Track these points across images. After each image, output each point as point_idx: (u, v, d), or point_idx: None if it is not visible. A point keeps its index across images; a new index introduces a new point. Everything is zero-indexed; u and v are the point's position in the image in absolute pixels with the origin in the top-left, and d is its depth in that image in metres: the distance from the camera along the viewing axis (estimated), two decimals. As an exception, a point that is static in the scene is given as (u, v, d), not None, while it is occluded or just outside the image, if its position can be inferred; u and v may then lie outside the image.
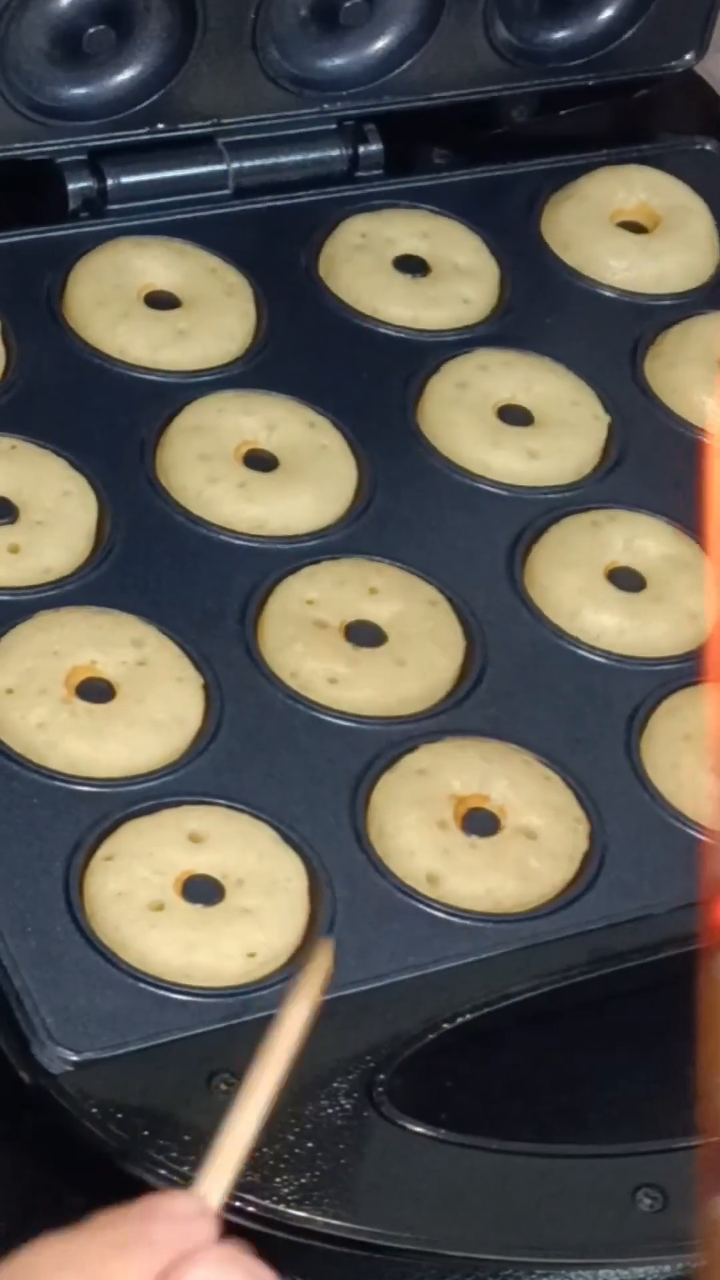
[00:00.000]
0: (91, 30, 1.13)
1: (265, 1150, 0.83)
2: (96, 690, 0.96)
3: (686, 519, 1.08)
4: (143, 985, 0.87)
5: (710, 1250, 0.52)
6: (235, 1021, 0.87)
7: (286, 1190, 0.83)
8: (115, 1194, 0.85)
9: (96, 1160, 0.84)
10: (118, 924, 0.89)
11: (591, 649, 1.03)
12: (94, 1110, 0.84)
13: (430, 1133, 0.85)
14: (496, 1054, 0.90)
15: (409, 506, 1.07)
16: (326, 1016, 0.88)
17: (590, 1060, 0.91)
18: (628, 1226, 0.85)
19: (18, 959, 0.88)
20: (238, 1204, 0.82)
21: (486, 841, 0.94)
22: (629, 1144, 0.88)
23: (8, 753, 0.94)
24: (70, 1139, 0.84)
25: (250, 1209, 0.83)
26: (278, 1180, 0.83)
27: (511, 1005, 0.90)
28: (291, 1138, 0.84)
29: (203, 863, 0.91)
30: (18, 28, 1.11)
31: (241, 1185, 0.81)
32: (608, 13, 1.25)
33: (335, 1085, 0.86)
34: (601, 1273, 0.87)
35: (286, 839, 0.93)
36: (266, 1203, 0.83)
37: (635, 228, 1.21)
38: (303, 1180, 0.83)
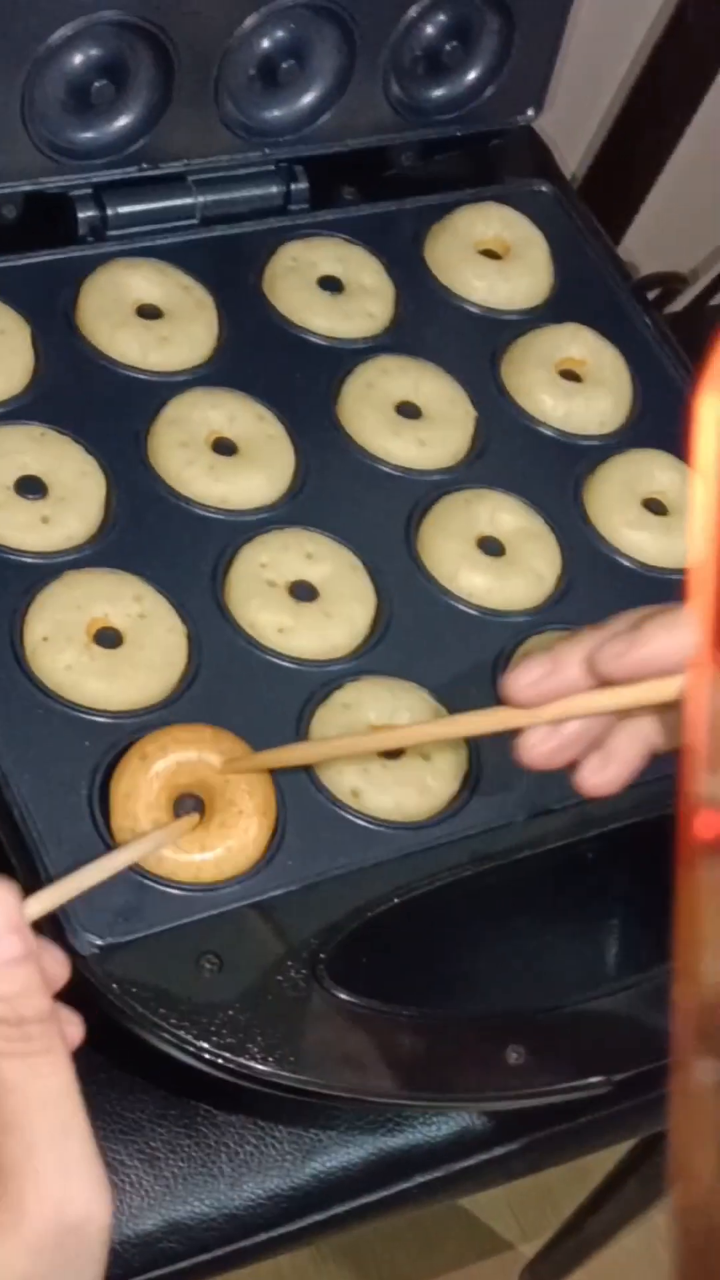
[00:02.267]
0: (97, 84, 1.06)
1: (240, 1017, 0.82)
2: (109, 638, 0.92)
3: (535, 497, 1.05)
4: (147, 882, 0.85)
5: (685, 1112, 0.50)
6: (214, 912, 0.85)
7: (255, 1049, 0.82)
8: (126, 1052, 0.84)
9: (115, 1026, 0.82)
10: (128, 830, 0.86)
11: (466, 604, 1.00)
12: (114, 985, 0.82)
13: (355, 1000, 0.84)
14: (401, 936, 0.89)
15: (333, 485, 1.03)
16: (284, 906, 0.87)
17: (471, 941, 0.91)
18: (496, 1076, 0.85)
19: (53, 861, 0.85)
20: (219, 1060, 0.81)
21: (395, 763, 0.92)
22: (500, 1009, 0.88)
23: (45, 689, 0.90)
24: (95, 1009, 0.82)
25: (229, 1065, 0.82)
26: (250, 1043, 0.82)
27: (414, 898, 0.89)
28: (260, 1007, 0.83)
29: (191, 781, 0.88)
30: (42, 81, 1.04)
31: (221, 1045, 0.81)
32: (472, 74, 1.19)
33: (289, 965, 0.85)
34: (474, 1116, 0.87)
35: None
36: (241, 1059, 0.82)
37: (492, 254, 1.17)
38: (267, 1041, 0.82)
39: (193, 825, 0.87)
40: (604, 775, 0.77)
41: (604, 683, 0.73)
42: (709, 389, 0.36)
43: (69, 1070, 0.63)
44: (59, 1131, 0.61)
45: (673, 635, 0.71)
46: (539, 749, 0.76)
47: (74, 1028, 0.68)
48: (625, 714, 0.76)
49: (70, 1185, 0.61)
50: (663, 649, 0.71)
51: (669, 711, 0.77)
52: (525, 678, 0.74)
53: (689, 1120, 0.54)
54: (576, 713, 0.75)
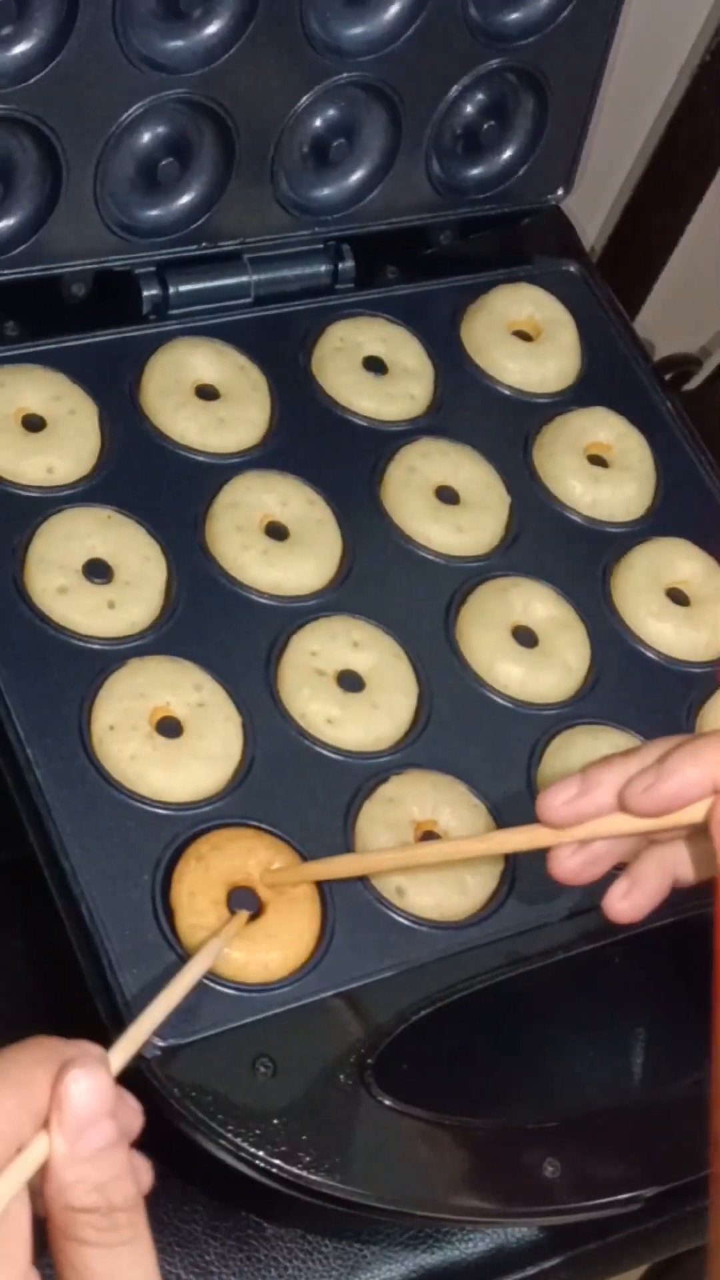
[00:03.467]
0: (163, 162, 1.01)
1: (293, 1124, 0.78)
2: (171, 727, 0.88)
3: (565, 585, 1.01)
4: (205, 981, 0.80)
5: None
6: (268, 1013, 0.81)
7: (307, 1158, 0.78)
8: (178, 1156, 0.80)
9: (173, 1131, 0.78)
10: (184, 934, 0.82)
11: (502, 695, 0.96)
12: (176, 1089, 0.78)
13: (399, 1108, 0.81)
14: (441, 1040, 0.85)
15: (377, 571, 0.99)
16: (334, 1007, 0.83)
17: (508, 1045, 0.87)
18: (533, 1191, 0.81)
19: (119, 958, 0.80)
20: (273, 1169, 0.77)
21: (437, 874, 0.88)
22: (535, 1120, 0.84)
23: (110, 779, 0.85)
24: (155, 1113, 0.78)
25: (283, 1174, 0.78)
26: (301, 1152, 0.78)
27: (454, 1001, 0.85)
28: (312, 1115, 0.79)
29: (242, 878, 0.84)
30: (114, 160, 0.99)
31: (274, 1153, 0.77)
32: (508, 154, 1.15)
33: (338, 1069, 0.81)
34: (511, 1230, 0.84)
35: (303, 858, 0.86)
36: (294, 1169, 0.78)
37: (524, 335, 1.12)
38: (318, 1150, 0.78)
39: (243, 924, 0.82)
40: (629, 901, 0.76)
41: (632, 813, 0.72)
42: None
43: (151, 1256, 0.59)
44: None
45: (698, 766, 0.69)
46: (567, 864, 0.74)
47: (145, 1175, 0.63)
48: (653, 840, 0.75)
49: None
50: (688, 782, 0.69)
51: (696, 841, 0.75)
52: (558, 798, 0.73)
53: None
54: (603, 834, 0.73)
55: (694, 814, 0.70)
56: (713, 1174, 0.53)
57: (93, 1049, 0.61)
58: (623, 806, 0.72)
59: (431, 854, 0.85)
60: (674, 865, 0.75)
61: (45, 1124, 0.57)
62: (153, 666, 0.89)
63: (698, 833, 0.73)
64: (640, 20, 1.18)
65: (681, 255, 1.31)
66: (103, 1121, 0.58)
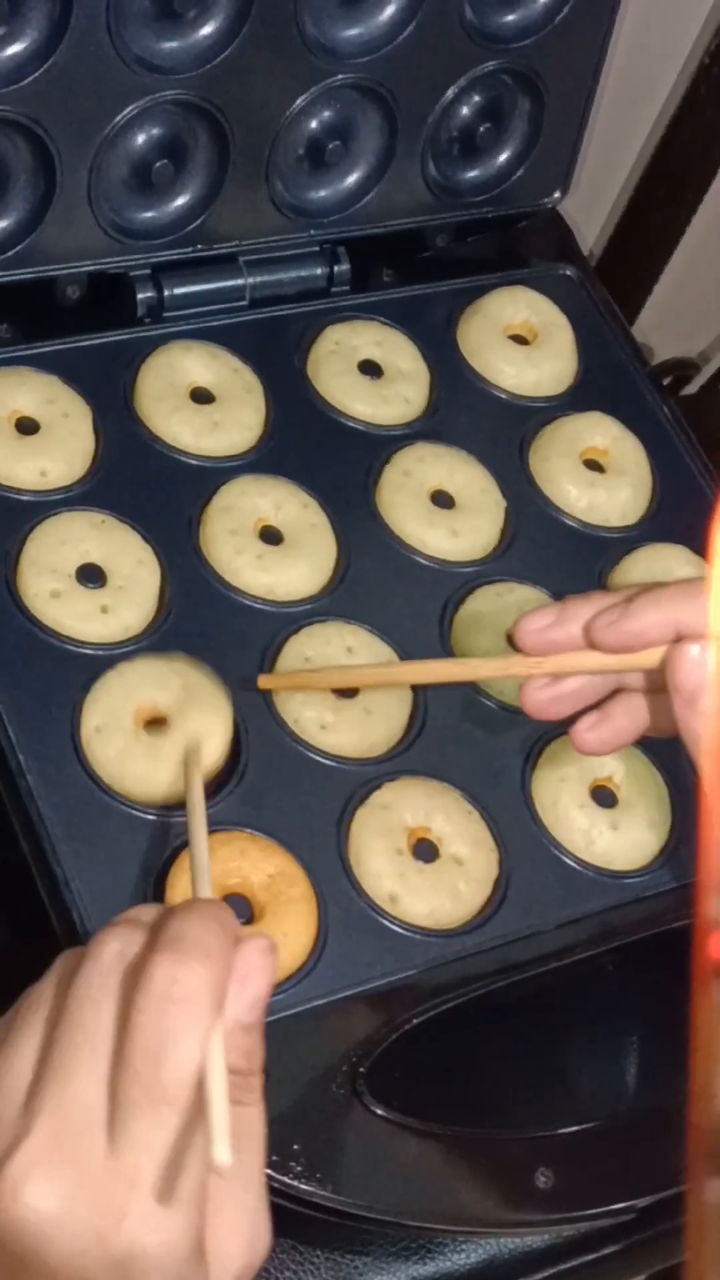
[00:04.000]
0: (158, 164, 1.01)
1: (286, 1134, 0.79)
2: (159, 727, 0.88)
3: (560, 590, 1.01)
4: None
5: (699, 1233, 0.49)
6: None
7: (298, 1168, 0.79)
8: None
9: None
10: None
11: (496, 701, 0.96)
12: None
13: (391, 1117, 0.81)
14: (434, 1048, 0.85)
15: (371, 576, 0.99)
16: (326, 1016, 0.83)
17: (501, 1054, 0.87)
18: (526, 1201, 0.82)
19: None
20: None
21: (430, 867, 0.89)
22: (529, 1129, 0.85)
23: (101, 785, 0.86)
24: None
25: (275, 1183, 0.78)
26: (293, 1161, 0.79)
27: (447, 1009, 0.85)
28: (304, 1123, 0.80)
29: (235, 882, 0.84)
30: (108, 161, 0.99)
31: (268, 1163, 0.77)
32: (504, 156, 1.15)
33: (331, 1078, 0.81)
34: (504, 1241, 0.84)
35: (299, 861, 0.86)
36: (286, 1178, 0.78)
37: (520, 339, 1.12)
38: (310, 1160, 0.78)
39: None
40: (596, 733, 0.77)
41: (595, 648, 0.74)
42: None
43: (263, 1117, 0.63)
44: (255, 1174, 0.61)
45: (659, 610, 0.71)
46: (537, 696, 0.76)
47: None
48: (623, 688, 0.76)
49: (260, 1223, 0.61)
50: (649, 623, 0.71)
51: (659, 696, 0.76)
52: (535, 624, 0.75)
53: (703, 1242, 0.52)
54: (572, 668, 0.75)
55: (652, 658, 0.72)
56: (687, 1183, 0.53)
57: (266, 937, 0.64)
58: (588, 638, 0.74)
59: (408, 674, 0.90)
60: (643, 714, 0.77)
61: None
62: (141, 666, 0.89)
63: (661, 688, 0.74)
64: (639, 22, 1.19)
65: (681, 258, 1.31)
66: (265, 1001, 0.62)
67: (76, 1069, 0.58)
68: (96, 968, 0.61)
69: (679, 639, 0.71)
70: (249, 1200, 0.60)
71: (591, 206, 1.29)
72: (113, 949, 0.61)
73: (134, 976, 0.59)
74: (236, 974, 0.60)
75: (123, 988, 0.60)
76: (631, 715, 0.76)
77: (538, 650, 0.75)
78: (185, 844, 0.85)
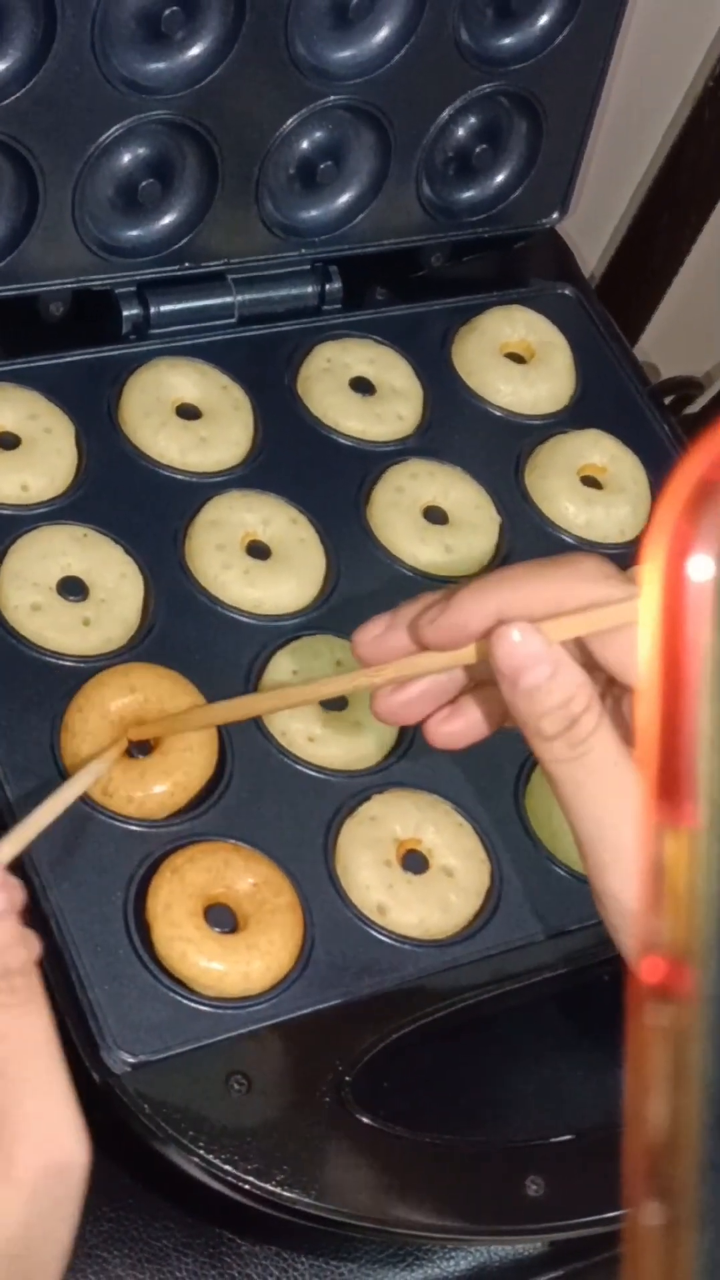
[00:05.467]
0: (144, 183, 1.03)
1: (267, 1141, 0.79)
2: (144, 746, 0.89)
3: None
4: (178, 998, 0.82)
5: (635, 1254, 0.48)
6: (243, 1030, 0.82)
7: (281, 1175, 0.79)
8: (151, 1174, 0.81)
9: (145, 1148, 0.79)
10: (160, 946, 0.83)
11: (490, 716, 0.96)
12: (146, 1106, 0.79)
13: (378, 1126, 0.82)
14: (423, 1058, 0.86)
15: (363, 592, 1.00)
16: (311, 1025, 0.84)
17: (492, 1064, 0.88)
18: (516, 1209, 0.82)
19: (90, 974, 0.82)
20: (246, 1186, 0.78)
21: (419, 878, 0.89)
22: (519, 1137, 0.85)
23: (84, 797, 0.87)
24: (126, 1129, 0.79)
25: (256, 1191, 0.79)
26: (275, 1169, 0.79)
27: (437, 1019, 0.85)
28: (287, 1131, 0.80)
29: (219, 891, 0.85)
30: (92, 180, 1.01)
31: (249, 1170, 0.78)
32: (501, 177, 1.17)
33: (315, 1087, 0.82)
34: (494, 1248, 0.84)
35: (285, 872, 0.87)
36: (268, 1185, 0.79)
37: (517, 358, 1.14)
38: (292, 1167, 0.79)
39: (123, 749, 0.86)
40: (450, 726, 0.76)
41: (424, 647, 0.73)
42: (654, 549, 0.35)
43: (49, 1019, 0.63)
44: (44, 1078, 0.61)
45: (477, 600, 0.70)
46: (386, 703, 0.75)
47: (34, 943, 0.66)
48: (480, 682, 0.76)
49: (56, 1130, 0.61)
50: (468, 613, 0.70)
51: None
52: (368, 634, 0.75)
53: (640, 1263, 0.52)
54: (411, 673, 0.74)
55: (469, 654, 0.72)
56: (624, 1205, 0.54)
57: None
58: (416, 639, 0.73)
59: (257, 705, 0.89)
60: (499, 703, 0.75)
61: None
62: (119, 677, 0.90)
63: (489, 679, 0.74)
64: (642, 45, 1.21)
65: (685, 279, 1.32)
66: (3, 888, 0.63)
67: None
68: None
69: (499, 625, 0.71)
70: (36, 1107, 0.60)
71: (593, 227, 1.31)
72: None
73: None
74: None
75: None
76: (486, 705, 0.76)
77: (375, 659, 0.75)
78: (164, 855, 0.86)
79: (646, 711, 0.35)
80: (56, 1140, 0.60)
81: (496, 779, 0.95)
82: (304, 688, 0.84)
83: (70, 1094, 0.61)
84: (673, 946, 0.37)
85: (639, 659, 0.36)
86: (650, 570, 0.35)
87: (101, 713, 0.88)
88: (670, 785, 0.36)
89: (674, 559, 0.34)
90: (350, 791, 0.91)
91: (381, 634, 0.74)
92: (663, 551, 0.34)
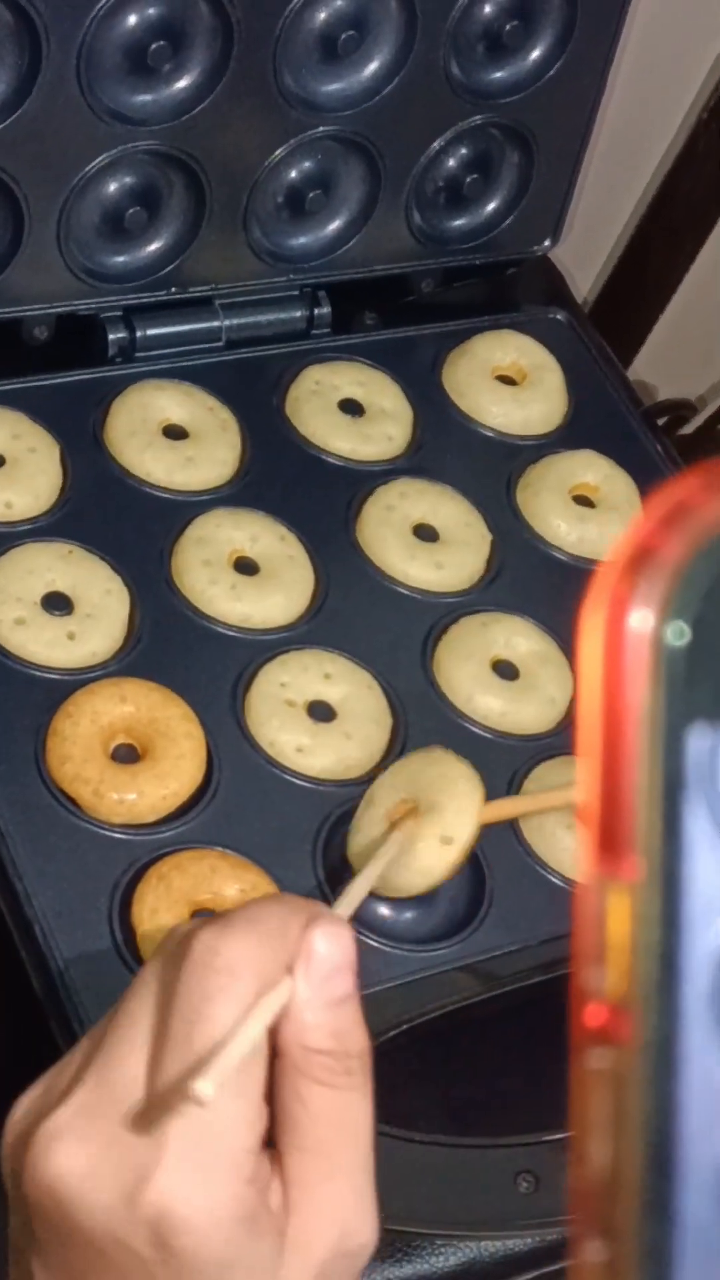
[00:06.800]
0: (131, 211, 1.05)
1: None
2: (129, 748, 0.91)
3: (548, 620, 1.03)
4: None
5: None
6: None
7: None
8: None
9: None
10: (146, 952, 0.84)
11: (482, 726, 0.98)
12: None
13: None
14: (414, 1060, 0.86)
15: (352, 606, 1.02)
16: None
17: (483, 1066, 0.88)
18: (506, 1205, 0.83)
19: (75, 980, 0.83)
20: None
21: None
22: (510, 1136, 0.85)
23: (67, 805, 0.88)
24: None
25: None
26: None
27: (425, 1021, 0.86)
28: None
29: (206, 898, 0.86)
30: (79, 207, 1.04)
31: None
32: (492, 206, 1.19)
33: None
34: (484, 1244, 0.84)
35: (272, 879, 0.88)
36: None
37: (509, 381, 1.16)
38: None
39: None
40: None
41: None
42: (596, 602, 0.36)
43: (371, 1107, 0.62)
44: (355, 1165, 0.61)
45: None
46: None
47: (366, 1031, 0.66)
48: None
49: (357, 1215, 0.61)
50: None
51: None
52: None
53: None
54: None
55: None
56: (569, 1241, 0.55)
57: (332, 911, 0.65)
58: None
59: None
60: None
61: (290, 970, 0.61)
62: (110, 688, 0.92)
63: None
64: (637, 76, 1.23)
65: (679, 304, 1.34)
66: (345, 973, 0.62)
67: (119, 1045, 0.60)
68: (152, 960, 0.63)
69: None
70: (341, 1190, 0.60)
71: (587, 252, 1.33)
72: (169, 942, 0.63)
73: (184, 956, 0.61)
74: (303, 949, 0.61)
75: (171, 966, 0.61)
76: None
77: None
78: (150, 862, 0.87)
79: (587, 766, 0.36)
80: (354, 1225, 0.61)
81: (488, 787, 0.95)
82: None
83: (372, 1183, 0.61)
84: (613, 994, 0.38)
85: (581, 713, 0.37)
86: (590, 627, 0.36)
87: (92, 719, 0.90)
88: (610, 839, 0.37)
89: (613, 614, 0.35)
90: (338, 801, 0.92)
91: None
92: (602, 609, 0.35)
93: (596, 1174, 0.39)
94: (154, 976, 0.62)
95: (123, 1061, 0.60)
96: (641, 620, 0.35)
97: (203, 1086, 0.56)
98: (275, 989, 0.60)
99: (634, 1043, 0.37)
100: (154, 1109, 0.58)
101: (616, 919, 0.37)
